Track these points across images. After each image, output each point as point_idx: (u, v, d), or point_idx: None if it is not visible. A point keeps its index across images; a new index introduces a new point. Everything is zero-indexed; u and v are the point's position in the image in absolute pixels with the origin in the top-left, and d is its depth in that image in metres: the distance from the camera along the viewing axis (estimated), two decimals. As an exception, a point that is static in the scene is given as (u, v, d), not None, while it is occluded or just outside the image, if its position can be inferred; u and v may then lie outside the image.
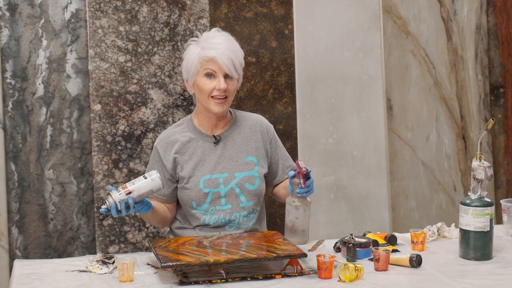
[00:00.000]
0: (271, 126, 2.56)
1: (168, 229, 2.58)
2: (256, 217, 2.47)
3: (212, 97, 2.37)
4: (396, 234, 2.46)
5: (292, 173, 2.28)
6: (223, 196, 2.41)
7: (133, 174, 3.34)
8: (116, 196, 2.15)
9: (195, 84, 2.40)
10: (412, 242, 2.37)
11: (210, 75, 2.36)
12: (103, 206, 2.17)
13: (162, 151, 2.44)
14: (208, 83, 2.36)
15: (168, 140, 2.45)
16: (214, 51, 2.34)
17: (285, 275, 2.09)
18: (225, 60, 2.33)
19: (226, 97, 2.37)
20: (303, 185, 2.25)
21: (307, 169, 2.24)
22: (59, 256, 3.36)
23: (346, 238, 2.26)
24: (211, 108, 2.38)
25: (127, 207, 2.16)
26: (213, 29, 2.45)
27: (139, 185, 2.18)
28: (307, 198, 2.30)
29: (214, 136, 2.44)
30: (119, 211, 2.15)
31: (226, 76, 2.36)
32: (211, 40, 2.37)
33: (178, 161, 2.42)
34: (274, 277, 2.07)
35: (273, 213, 3.55)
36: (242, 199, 2.42)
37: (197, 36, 2.44)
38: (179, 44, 3.39)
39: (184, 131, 2.46)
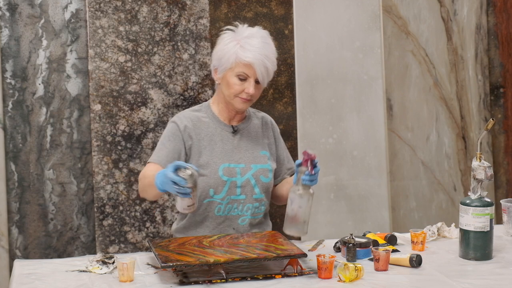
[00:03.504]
0: (277, 126, 2.60)
1: (176, 226, 2.54)
2: (265, 211, 2.49)
3: (237, 97, 2.39)
4: (396, 234, 2.46)
5: (298, 161, 2.28)
6: (239, 186, 2.42)
7: (133, 174, 3.34)
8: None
9: (225, 78, 2.39)
10: (412, 242, 2.37)
11: (242, 77, 2.36)
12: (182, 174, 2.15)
13: (182, 126, 2.41)
14: (239, 84, 2.36)
15: (189, 119, 2.43)
16: (252, 55, 2.33)
17: (285, 275, 2.09)
18: (261, 67, 2.33)
19: (250, 100, 2.39)
20: (310, 172, 2.23)
21: (315, 156, 2.25)
22: (59, 256, 3.36)
23: (346, 238, 2.26)
24: (235, 105, 2.40)
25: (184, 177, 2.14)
26: (255, 28, 2.41)
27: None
28: (311, 189, 2.29)
29: (232, 126, 2.45)
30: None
31: (256, 81, 2.37)
32: (250, 41, 2.35)
33: (196, 145, 2.41)
34: (274, 277, 2.07)
35: (273, 213, 3.55)
36: (256, 191, 2.44)
37: (236, 26, 2.41)
38: (179, 44, 3.39)
39: (203, 116, 2.46)
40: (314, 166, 2.25)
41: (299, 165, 2.25)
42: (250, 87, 2.35)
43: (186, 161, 2.40)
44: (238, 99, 2.38)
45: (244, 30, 2.39)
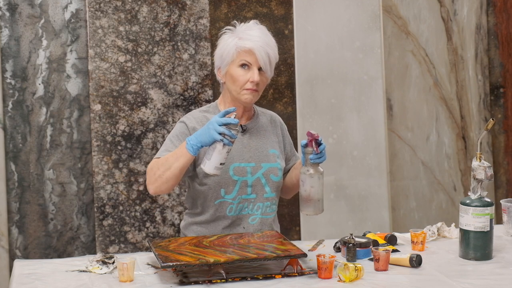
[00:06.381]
0: (284, 124, 2.61)
1: (185, 223, 2.52)
2: (275, 210, 2.49)
3: (244, 89, 2.39)
4: (396, 234, 2.46)
5: (304, 142, 2.28)
6: (249, 185, 2.41)
7: (133, 174, 3.34)
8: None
9: (228, 73, 2.40)
10: (412, 242, 2.37)
11: (245, 65, 2.37)
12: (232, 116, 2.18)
13: (191, 126, 2.41)
14: (243, 74, 2.37)
15: (198, 119, 2.43)
16: (252, 42, 2.36)
17: (285, 275, 2.08)
18: (262, 53, 2.35)
19: (256, 90, 2.38)
20: (316, 151, 2.25)
21: (318, 135, 2.26)
22: (59, 256, 3.36)
23: (346, 238, 2.26)
24: (242, 98, 2.39)
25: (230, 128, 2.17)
26: (251, 21, 2.44)
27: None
28: (320, 167, 2.29)
29: (241, 125, 2.45)
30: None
31: (259, 69, 2.38)
32: (249, 32, 2.38)
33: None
34: (274, 277, 2.07)
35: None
36: (267, 190, 2.43)
37: (234, 26, 2.44)
38: (179, 44, 3.39)
39: (211, 117, 2.44)
40: (319, 144, 2.26)
41: (305, 146, 2.26)
42: (254, 75, 2.35)
43: (195, 162, 2.39)
44: (244, 91, 2.38)
45: (241, 26, 2.43)
